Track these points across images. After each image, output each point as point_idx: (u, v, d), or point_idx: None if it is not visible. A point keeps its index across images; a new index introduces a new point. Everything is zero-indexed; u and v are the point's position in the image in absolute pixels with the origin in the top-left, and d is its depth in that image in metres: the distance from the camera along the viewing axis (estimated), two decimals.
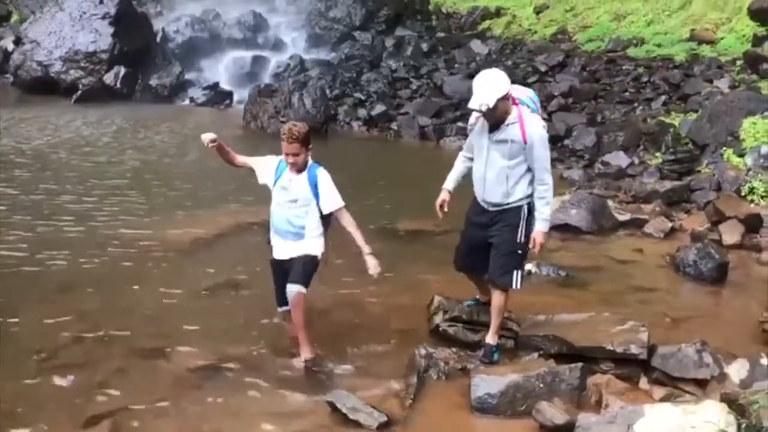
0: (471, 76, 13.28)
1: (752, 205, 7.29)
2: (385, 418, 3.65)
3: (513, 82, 4.35)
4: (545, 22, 16.11)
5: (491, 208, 4.36)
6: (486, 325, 4.48)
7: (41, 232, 6.56)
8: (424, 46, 15.47)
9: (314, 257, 4.38)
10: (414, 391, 3.96)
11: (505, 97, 4.12)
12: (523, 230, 4.34)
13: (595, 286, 5.75)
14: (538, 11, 16.58)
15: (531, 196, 4.32)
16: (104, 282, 5.50)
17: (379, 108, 12.67)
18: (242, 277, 5.68)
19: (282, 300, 4.46)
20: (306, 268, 4.35)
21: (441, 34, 16.33)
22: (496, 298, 4.41)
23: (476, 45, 15.41)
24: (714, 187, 7.77)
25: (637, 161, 9.62)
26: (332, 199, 4.33)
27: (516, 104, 4.24)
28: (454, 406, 3.94)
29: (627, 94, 12.29)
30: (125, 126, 12.04)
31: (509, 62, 14.19)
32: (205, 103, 13.95)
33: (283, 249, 4.43)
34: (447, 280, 5.19)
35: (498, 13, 16.91)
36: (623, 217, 7.34)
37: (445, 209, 4.53)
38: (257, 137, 11.62)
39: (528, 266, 5.82)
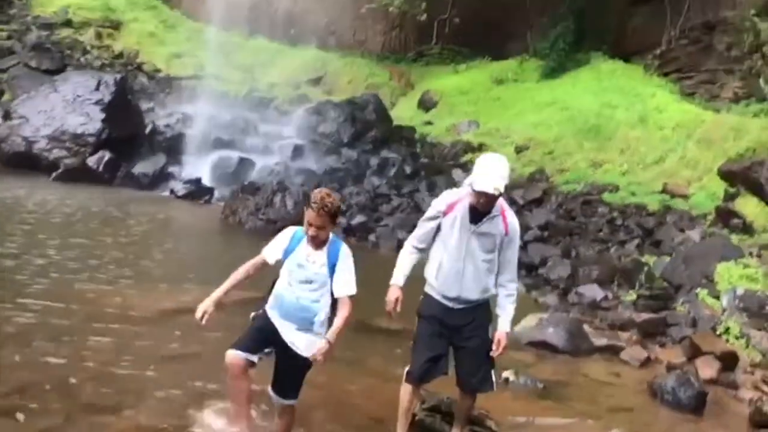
0: None
1: (728, 344, 7.27)
2: None
3: None
4: (524, 161, 16.65)
5: (463, 306, 4.08)
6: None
7: None
8: (407, 169, 15.84)
9: (311, 364, 3.88)
10: None
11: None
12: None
13: (573, 401, 5.58)
14: (518, 150, 17.21)
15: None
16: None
17: (360, 218, 12.74)
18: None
19: (252, 348, 3.80)
20: (302, 379, 3.97)
21: (424, 160, 16.76)
22: (469, 402, 4.25)
23: (458, 174, 15.79)
24: (689, 324, 7.76)
25: (611, 296, 9.64)
26: (348, 283, 3.82)
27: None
28: None
29: (601, 233, 12.53)
30: (101, 207, 11.91)
31: None
32: (185, 196, 13.89)
33: (285, 329, 3.87)
34: None
35: (480, 148, 17.48)
36: (600, 341, 7.26)
37: (398, 309, 4.15)
38: (233, 232, 11.53)
39: (505, 373, 5.66)
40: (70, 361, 4.95)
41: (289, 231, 3.97)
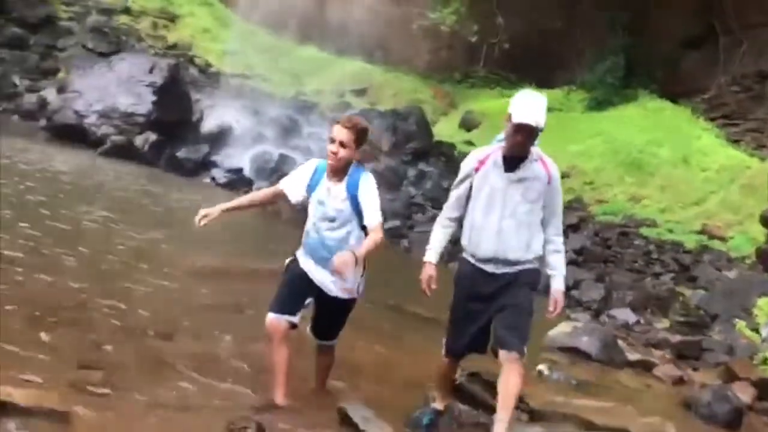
0: None
1: (765, 374, 7.12)
2: None
3: None
4: (564, 189, 16.54)
5: (504, 270, 3.60)
6: None
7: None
8: (445, 183, 15.82)
9: (353, 302, 3.81)
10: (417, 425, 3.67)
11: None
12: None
13: (607, 399, 5.49)
14: None
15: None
16: None
17: (393, 223, 12.75)
18: None
19: (291, 308, 3.67)
20: (341, 321, 3.87)
21: None
22: (514, 378, 3.48)
23: None
24: (725, 351, 7.63)
25: (643, 321, 9.53)
26: (374, 211, 3.61)
27: None
28: None
29: (636, 264, 12.40)
30: (143, 184, 12.10)
31: None
32: (226, 185, 14.05)
33: (315, 271, 3.73)
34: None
35: None
36: (633, 356, 7.15)
37: (433, 286, 3.73)
38: (269, 222, 11.61)
39: (539, 366, 5.61)
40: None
41: (311, 163, 3.82)
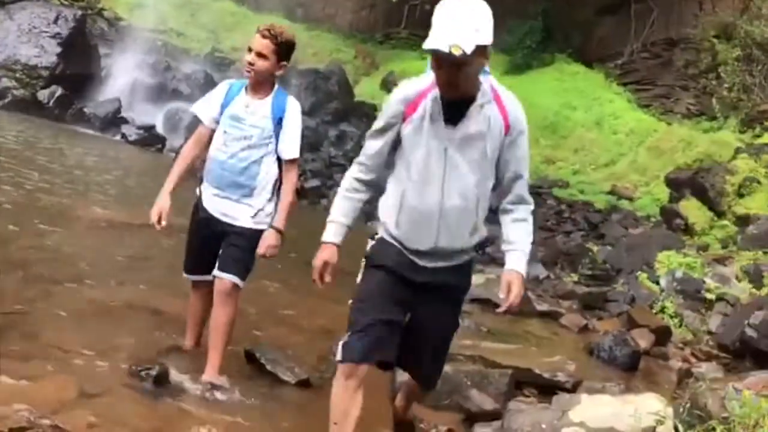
0: None
1: (662, 321, 7.49)
2: (305, 377, 3.32)
3: None
4: None
5: (440, 264, 2.64)
6: None
7: None
8: None
9: (259, 233, 3.34)
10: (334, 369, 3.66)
11: (487, 49, 2.47)
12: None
13: (515, 345, 5.65)
14: None
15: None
16: None
17: (314, 182, 12.69)
18: None
19: (197, 265, 3.44)
20: (245, 254, 3.35)
21: None
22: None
23: None
24: (628, 301, 7.96)
25: (553, 276, 9.83)
26: (293, 144, 3.29)
27: None
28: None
29: (548, 223, 12.78)
30: (51, 141, 11.51)
31: None
32: (136, 142, 13.55)
33: (218, 205, 3.35)
34: None
35: None
36: (541, 307, 7.37)
37: (326, 278, 2.77)
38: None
39: None
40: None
41: (225, 83, 3.44)
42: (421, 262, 2.63)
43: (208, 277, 3.43)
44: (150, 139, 13.66)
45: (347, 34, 22.02)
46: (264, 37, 3.24)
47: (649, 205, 13.79)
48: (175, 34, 19.46)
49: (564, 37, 18.93)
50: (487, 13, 2.44)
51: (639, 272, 8.82)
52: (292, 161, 3.37)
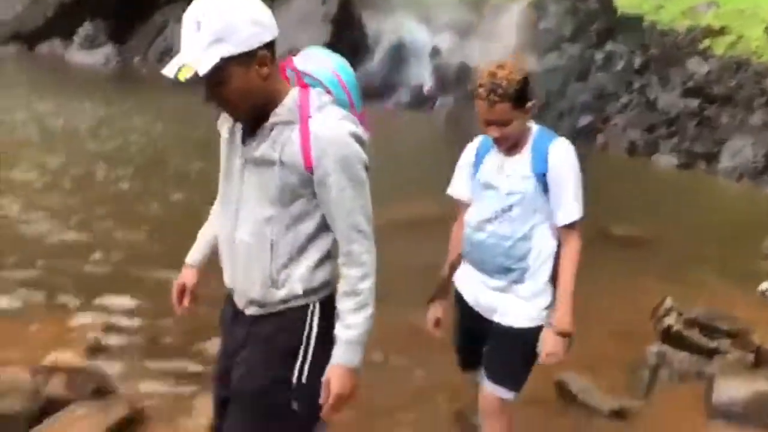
0: (688, 93, 12.65)
1: None
2: (618, 406, 3.48)
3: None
4: None
5: (251, 311, 1.96)
6: (726, 333, 4.12)
7: None
8: (636, 62, 14.79)
9: (535, 333, 2.49)
10: (645, 387, 3.75)
11: (255, 58, 1.75)
12: (303, 363, 1.91)
13: None
14: None
15: (327, 285, 1.93)
16: None
17: (585, 119, 12.29)
18: None
19: (467, 360, 2.79)
20: (516, 362, 2.56)
21: (655, 51, 15.54)
22: None
23: (693, 63, 14.50)
24: None
25: None
26: (569, 205, 2.42)
27: (303, 85, 1.87)
28: (687, 407, 3.67)
29: None
30: None
31: (732, 83, 13.22)
32: (408, 105, 14.23)
33: (479, 291, 2.59)
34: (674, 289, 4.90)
35: (722, 31, 15.84)
36: None
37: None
38: (459, 141, 11.60)
39: (763, 284, 5.35)
40: None
41: (474, 143, 2.62)
42: (236, 303, 2.03)
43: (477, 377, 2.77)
44: (420, 101, 14.24)
45: None
46: (492, 101, 2.34)
47: None
48: None
49: None
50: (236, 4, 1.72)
51: None
52: (571, 229, 2.49)
